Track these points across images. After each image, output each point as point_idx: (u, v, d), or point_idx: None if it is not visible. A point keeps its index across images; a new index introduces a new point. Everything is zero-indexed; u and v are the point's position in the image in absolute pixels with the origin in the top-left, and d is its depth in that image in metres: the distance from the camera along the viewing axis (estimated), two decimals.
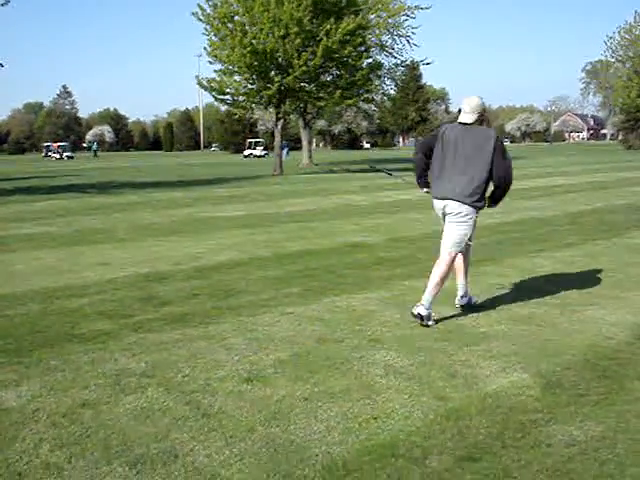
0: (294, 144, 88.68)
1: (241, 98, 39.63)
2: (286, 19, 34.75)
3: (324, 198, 22.07)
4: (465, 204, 6.86)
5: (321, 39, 35.43)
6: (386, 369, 5.39)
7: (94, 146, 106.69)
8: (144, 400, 4.81)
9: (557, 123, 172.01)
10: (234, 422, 4.42)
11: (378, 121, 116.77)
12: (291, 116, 54.36)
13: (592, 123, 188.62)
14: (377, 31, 51.05)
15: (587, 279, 8.79)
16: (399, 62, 55.73)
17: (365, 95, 47.54)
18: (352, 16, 37.28)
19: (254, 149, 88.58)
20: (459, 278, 7.32)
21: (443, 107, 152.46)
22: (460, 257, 7.19)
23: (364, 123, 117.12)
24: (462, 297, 7.34)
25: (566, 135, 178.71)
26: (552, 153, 78.53)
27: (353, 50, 37.40)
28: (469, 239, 7.02)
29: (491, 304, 7.49)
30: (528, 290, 8.18)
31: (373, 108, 70.89)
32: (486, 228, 13.75)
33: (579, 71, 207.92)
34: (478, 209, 7.04)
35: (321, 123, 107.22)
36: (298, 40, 35.34)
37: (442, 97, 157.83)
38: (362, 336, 6.28)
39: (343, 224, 14.86)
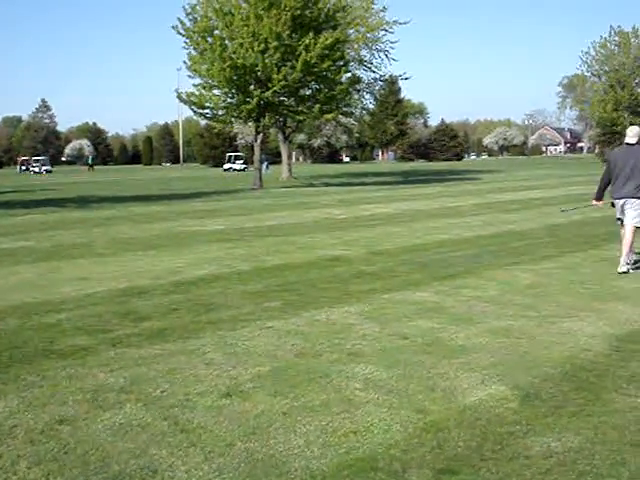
0: (274, 158, 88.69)
1: (220, 112, 39.61)
2: (265, 34, 34.84)
3: (304, 212, 22.10)
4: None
5: (300, 53, 35.53)
6: (365, 383, 5.40)
7: (89, 159, 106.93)
8: (122, 416, 4.78)
9: (534, 136, 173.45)
10: (213, 437, 4.41)
11: (357, 135, 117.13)
12: (271, 130, 54.47)
13: (569, 136, 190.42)
14: (356, 46, 51.32)
15: (565, 291, 8.86)
16: (378, 77, 56.09)
17: (344, 109, 47.80)
18: (331, 31, 37.46)
19: (234, 163, 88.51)
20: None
21: (422, 121, 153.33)
22: (630, 231, 10.24)
23: (343, 137, 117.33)
24: (627, 265, 10.25)
25: (543, 148, 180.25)
26: (529, 166, 79.18)
27: (332, 64, 37.52)
28: None
29: (470, 317, 7.53)
30: (506, 303, 8.23)
31: (352, 122, 71.20)
32: (465, 241, 13.86)
33: (556, 85, 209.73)
34: None
35: (301, 137, 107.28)
36: (277, 54, 35.43)
37: (421, 111, 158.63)
38: (341, 350, 6.29)
39: (323, 238, 14.88)
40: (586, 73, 79.99)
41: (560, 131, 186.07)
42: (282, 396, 5.12)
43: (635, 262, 10.62)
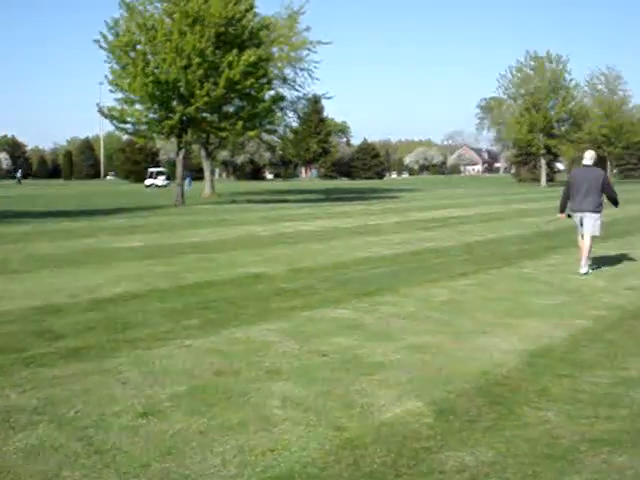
0: (196, 174, 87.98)
1: (142, 127, 39.12)
2: (189, 49, 34.66)
3: (225, 229, 21.99)
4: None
5: (223, 70, 35.46)
6: (283, 400, 5.41)
7: (18, 174, 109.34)
8: (35, 437, 4.66)
9: (453, 156, 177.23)
10: (128, 458, 4.34)
11: (281, 152, 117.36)
12: (193, 146, 54.02)
13: (486, 157, 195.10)
14: (279, 64, 51.59)
15: (480, 308, 9.07)
16: (301, 95, 56.49)
17: (267, 126, 47.82)
18: (254, 48, 37.54)
19: (156, 179, 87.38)
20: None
21: (344, 140, 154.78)
22: (589, 240, 11.95)
23: (267, 154, 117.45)
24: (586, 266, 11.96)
25: (462, 168, 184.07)
26: (448, 185, 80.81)
27: (255, 82, 37.57)
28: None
29: (388, 333, 7.62)
30: (423, 319, 8.37)
31: (276, 139, 71.30)
32: (384, 259, 14.04)
33: (474, 107, 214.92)
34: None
35: (224, 153, 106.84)
36: (200, 71, 35.26)
37: (343, 130, 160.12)
38: (260, 368, 6.28)
39: (244, 255, 14.84)
40: (503, 95, 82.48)
41: (478, 151, 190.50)
42: (199, 415, 5.08)
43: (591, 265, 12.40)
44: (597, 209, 12.05)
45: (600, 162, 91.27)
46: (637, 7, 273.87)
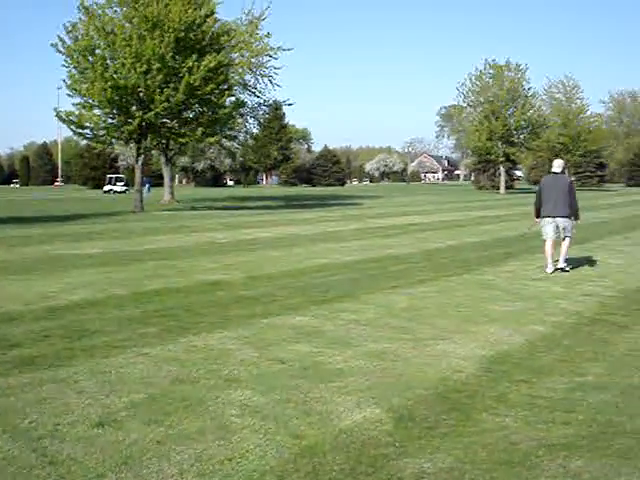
0: (156, 180, 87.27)
1: (101, 132, 38.68)
2: (148, 54, 34.39)
3: (185, 235, 21.84)
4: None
5: (183, 76, 35.26)
6: (242, 409, 5.36)
7: None
8: None
9: (414, 164, 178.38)
10: (83, 469, 4.26)
11: (241, 159, 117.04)
12: (153, 152, 53.63)
13: (446, 164, 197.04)
14: (240, 70, 51.38)
15: (439, 314, 9.12)
16: (262, 101, 56.34)
17: (228, 133, 47.66)
18: (215, 54, 37.39)
19: (114, 185, 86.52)
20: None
21: (305, 147, 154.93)
22: (567, 240, 12.93)
23: (227, 160, 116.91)
24: (563, 266, 12.96)
25: (422, 175, 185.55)
26: (409, 193, 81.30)
27: (215, 88, 37.42)
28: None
29: (347, 340, 7.62)
30: (383, 326, 8.39)
31: (236, 146, 71.06)
32: (344, 265, 14.06)
33: (434, 114, 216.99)
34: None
35: (184, 160, 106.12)
36: (160, 76, 35.01)
37: (304, 137, 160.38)
38: (219, 376, 6.23)
39: (203, 262, 14.74)
40: (462, 103, 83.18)
41: (438, 159, 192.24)
42: (156, 424, 5.02)
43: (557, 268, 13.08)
44: (569, 213, 12.90)
45: None
46: (596, 18, 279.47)
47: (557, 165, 13.35)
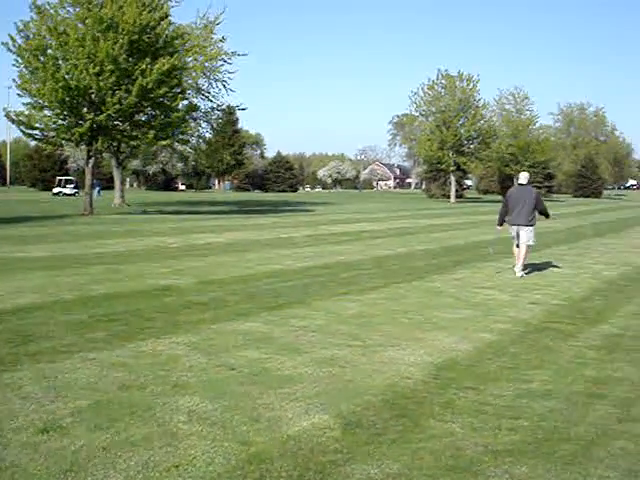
0: (107, 183, 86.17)
1: (51, 134, 38.08)
2: (101, 56, 33.97)
3: (135, 239, 21.59)
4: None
5: (136, 78, 34.92)
6: (190, 415, 5.33)
7: None
8: None
9: (366, 171, 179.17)
10: (27, 476, 4.19)
11: (193, 163, 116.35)
12: (104, 154, 52.98)
13: (398, 172, 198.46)
14: (194, 74, 51.10)
15: (389, 321, 9.18)
16: (215, 106, 56.10)
17: (180, 136, 47.30)
18: (168, 57, 37.12)
19: (64, 187, 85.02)
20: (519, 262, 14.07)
21: (258, 152, 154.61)
22: (524, 248, 13.86)
23: (179, 164, 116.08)
24: (522, 271, 13.98)
25: (374, 183, 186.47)
26: (361, 200, 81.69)
27: (169, 91, 37.14)
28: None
29: (297, 347, 7.62)
30: (333, 332, 8.41)
31: (189, 150, 70.66)
32: (296, 272, 14.06)
33: (387, 123, 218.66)
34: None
35: (135, 163, 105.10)
36: (113, 78, 34.61)
37: (257, 142, 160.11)
38: (167, 382, 6.18)
39: (153, 266, 14.59)
40: (415, 113, 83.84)
41: (390, 167, 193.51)
42: (102, 430, 4.95)
43: (524, 268, 14.21)
44: (530, 222, 14.06)
45: (506, 180, 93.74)
46: (547, 33, 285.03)
47: (523, 177, 14.51)
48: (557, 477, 4.37)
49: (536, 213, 14.23)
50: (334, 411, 5.47)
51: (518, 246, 14.14)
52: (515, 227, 14.17)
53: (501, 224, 14.60)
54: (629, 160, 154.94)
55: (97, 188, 61.07)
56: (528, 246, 14.07)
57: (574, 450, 4.82)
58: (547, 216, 14.69)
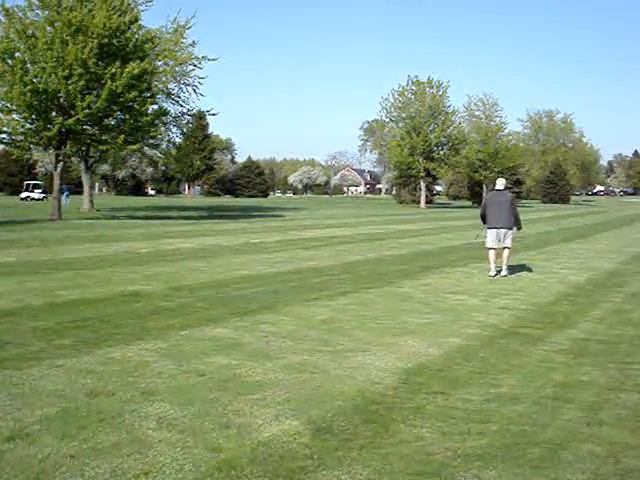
0: (76, 188, 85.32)
1: (19, 138, 37.70)
2: (70, 59, 33.70)
3: (104, 245, 21.41)
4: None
5: (106, 82, 34.67)
6: (159, 422, 5.29)
7: None
8: None
9: (337, 177, 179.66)
10: None
11: (163, 168, 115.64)
12: (72, 159, 52.48)
13: (369, 178, 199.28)
14: (164, 78, 50.86)
15: (359, 326, 9.20)
16: (185, 110, 55.89)
17: (150, 141, 47.05)
18: (138, 61, 36.90)
19: (32, 192, 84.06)
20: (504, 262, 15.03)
21: (229, 157, 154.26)
22: (507, 251, 14.91)
23: (149, 169, 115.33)
24: (506, 274, 14.84)
25: (345, 188, 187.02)
26: (331, 205, 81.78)
27: (138, 95, 36.91)
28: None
29: (267, 352, 7.61)
30: (303, 338, 8.41)
31: (158, 155, 70.21)
32: (265, 277, 14.04)
33: (357, 129, 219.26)
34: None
35: (104, 167, 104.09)
36: (82, 82, 34.34)
37: (228, 147, 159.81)
38: (136, 388, 6.13)
39: (122, 272, 14.48)
40: (385, 119, 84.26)
41: (361, 172, 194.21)
42: (70, 438, 4.91)
43: (498, 271, 14.90)
44: (509, 225, 14.83)
45: (476, 186, 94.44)
46: (517, 40, 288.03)
47: (500, 183, 15.34)
48: None
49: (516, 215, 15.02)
50: (304, 417, 5.47)
51: (496, 249, 14.83)
52: (495, 231, 14.78)
53: (485, 222, 15.21)
54: (596, 166, 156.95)
55: (65, 193, 60.36)
56: (509, 247, 14.91)
57: (542, 454, 4.87)
58: (519, 227, 15.30)
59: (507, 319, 10.05)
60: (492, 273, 14.76)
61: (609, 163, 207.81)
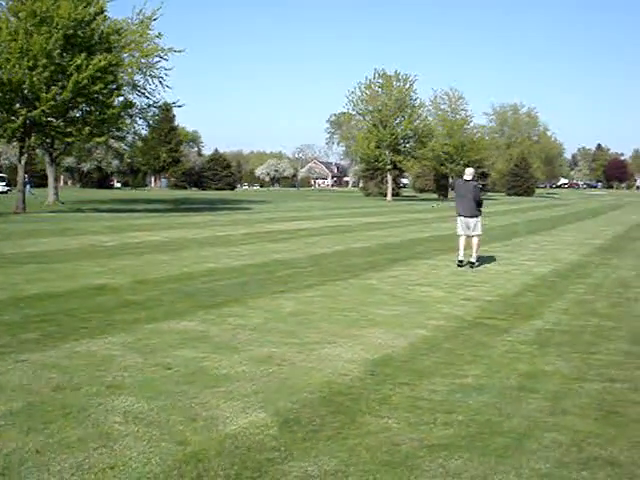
0: (40, 180, 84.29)
1: None
2: (35, 50, 33.24)
3: (69, 238, 21.20)
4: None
5: (71, 74, 34.26)
6: (125, 415, 5.27)
7: None
8: None
9: (304, 169, 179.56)
10: None
11: (129, 160, 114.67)
12: (37, 151, 51.81)
13: (336, 171, 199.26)
14: (130, 70, 50.31)
15: (326, 318, 9.23)
16: (152, 103, 55.36)
17: (116, 133, 46.58)
18: (104, 53, 36.52)
19: None
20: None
21: (196, 149, 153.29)
22: (476, 239, 15.30)
23: (115, 162, 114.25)
24: (475, 261, 15.25)
25: (312, 181, 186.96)
26: (299, 198, 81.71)
27: (104, 87, 36.50)
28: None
29: (234, 345, 7.61)
30: (270, 330, 8.42)
31: (124, 147, 69.64)
32: (233, 270, 14.01)
33: (325, 121, 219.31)
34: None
35: (70, 160, 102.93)
36: (47, 73, 33.88)
37: (195, 140, 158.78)
38: (102, 382, 6.10)
39: (87, 265, 14.36)
40: (352, 112, 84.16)
41: (328, 165, 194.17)
42: (36, 432, 4.87)
43: (468, 262, 15.17)
44: (476, 214, 15.23)
45: (442, 179, 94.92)
46: (482, 33, 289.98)
47: (468, 173, 15.49)
48: (491, 470, 4.47)
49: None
50: (271, 409, 5.48)
51: (467, 237, 15.32)
52: (465, 219, 15.28)
53: None
54: (560, 159, 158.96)
55: (29, 185, 59.60)
56: (478, 236, 15.32)
57: (507, 443, 4.94)
58: (479, 208, 15.47)
59: (472, 310, 10.15)
60: (461, 257, 15.18)
61: (573, 156, 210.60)
